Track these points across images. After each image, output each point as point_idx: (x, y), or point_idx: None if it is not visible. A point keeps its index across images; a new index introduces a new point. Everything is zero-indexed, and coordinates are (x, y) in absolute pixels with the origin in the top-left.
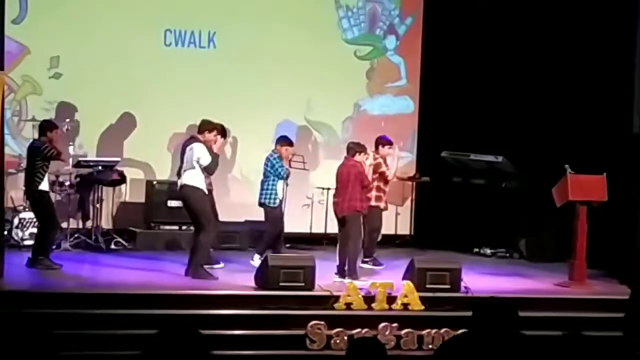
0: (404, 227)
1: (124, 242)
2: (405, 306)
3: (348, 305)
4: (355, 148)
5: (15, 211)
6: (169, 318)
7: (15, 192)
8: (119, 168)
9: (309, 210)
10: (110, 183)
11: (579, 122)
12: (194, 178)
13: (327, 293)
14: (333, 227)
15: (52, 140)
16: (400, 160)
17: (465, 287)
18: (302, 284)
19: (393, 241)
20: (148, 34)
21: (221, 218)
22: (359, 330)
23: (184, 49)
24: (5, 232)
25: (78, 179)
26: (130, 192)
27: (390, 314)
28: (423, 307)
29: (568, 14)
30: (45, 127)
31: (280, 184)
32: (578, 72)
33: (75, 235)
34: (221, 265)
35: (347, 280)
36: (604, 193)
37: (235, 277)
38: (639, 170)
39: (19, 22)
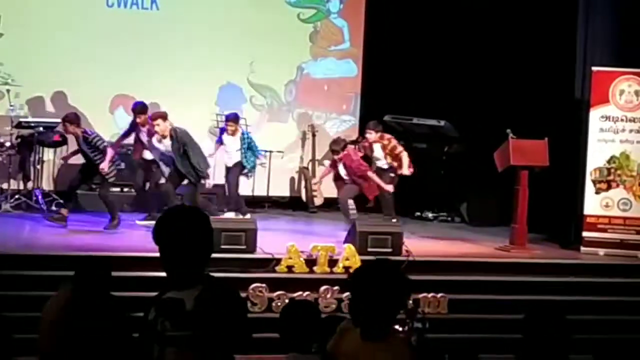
0: None
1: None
2: (346, 269)
3: (290, 268)
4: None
5: None
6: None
7: None
8: (60, 129)
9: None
10: (52, 144)
11: (521, 87)
12: None
13: (269, 256)
14: (275, 190)
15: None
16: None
17: (407, 251)
18: (244, 247)
19: (335, 205)
20: None
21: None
22: (300, 293)
23: (127, 10)
24: None
25: (19, 140)
26: None
27: (332, 277)
28: None
29: None
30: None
31: None
32: (521, 37)
33: (16, 197)
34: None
35: None
36: (545, 158)
37: None
38: (580, 135)
39: None
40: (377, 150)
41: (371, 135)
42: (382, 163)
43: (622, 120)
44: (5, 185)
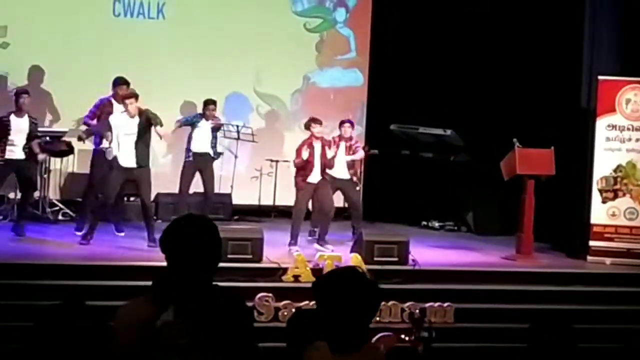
0: None
1: (71, 213)
2: None
3: (296, 278)
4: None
5: None
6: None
7: None
8: (66, 139)
9: (257, 182)
10: (58, 153)
11: (527, 96)
12: None
13: (275, 265)
14: (281, 199)
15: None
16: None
17: (413, 260)
18: (250, 256)
19: (341, 214)
20: (96, 4)
21: (170, 190)
22: (306, 302)
23: (133, 20)
24: None
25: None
26: (78, 163)
27: None
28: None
29: None
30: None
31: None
32: (526, 46)
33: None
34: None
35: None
36: (551, 167)
37: None
38: (587, 144)
39: None
40: (341, 148)
41: (353, 130)
42: (343, 166)
43: (628, 129)
44: (12, 195)
